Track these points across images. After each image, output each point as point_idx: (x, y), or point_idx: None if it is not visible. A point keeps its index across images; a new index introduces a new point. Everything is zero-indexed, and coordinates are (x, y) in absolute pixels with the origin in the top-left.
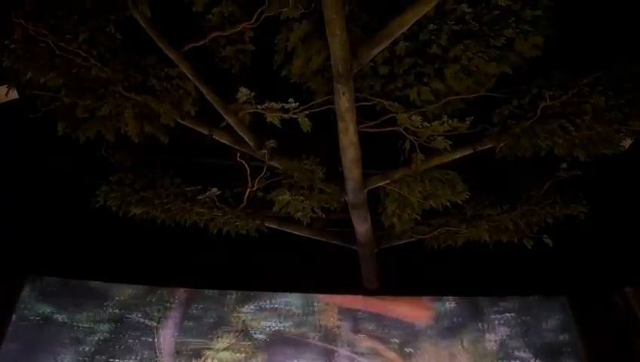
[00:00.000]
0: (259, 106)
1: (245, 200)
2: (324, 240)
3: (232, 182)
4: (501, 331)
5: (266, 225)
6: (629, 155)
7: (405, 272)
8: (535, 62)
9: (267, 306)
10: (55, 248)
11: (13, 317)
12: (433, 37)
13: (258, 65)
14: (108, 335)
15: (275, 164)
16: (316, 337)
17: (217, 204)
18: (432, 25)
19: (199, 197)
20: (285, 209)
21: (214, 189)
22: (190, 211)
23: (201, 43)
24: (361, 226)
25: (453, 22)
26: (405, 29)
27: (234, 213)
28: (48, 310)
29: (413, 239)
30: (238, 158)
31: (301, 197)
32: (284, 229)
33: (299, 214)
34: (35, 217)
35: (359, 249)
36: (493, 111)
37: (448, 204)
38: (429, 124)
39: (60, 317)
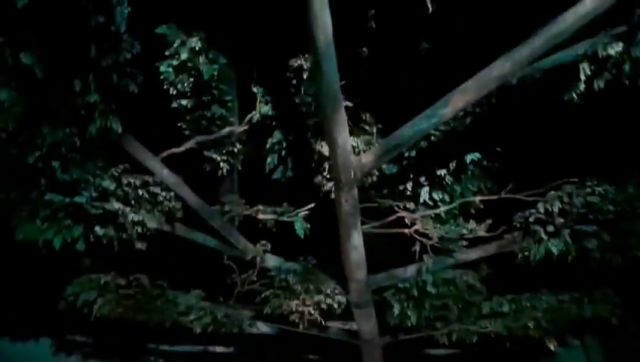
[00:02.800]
0: (248, 208)
1: (233, 298)
2: (324, 336)
3: (221, 277)
4: None
5: (259, 323)
6: None
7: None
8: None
9: None
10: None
11: None
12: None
13: (249, 166)
14: None
15: (267, 266)
16: None
17: (202, 303)
18: (445, 126)
19: (179, 300)
20: (279, 311)
21: (198, 291)
22: (171, 312)
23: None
24: (366, 324)
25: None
26: (419, 138)
27: (221, 310)
28: None
29: (423, 335)
30: (225, 261)
31: (296, 301)
32: (279, 326)
33: (294, 316)
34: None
35: (363, 345)
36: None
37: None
38: (441, 226)
39: None
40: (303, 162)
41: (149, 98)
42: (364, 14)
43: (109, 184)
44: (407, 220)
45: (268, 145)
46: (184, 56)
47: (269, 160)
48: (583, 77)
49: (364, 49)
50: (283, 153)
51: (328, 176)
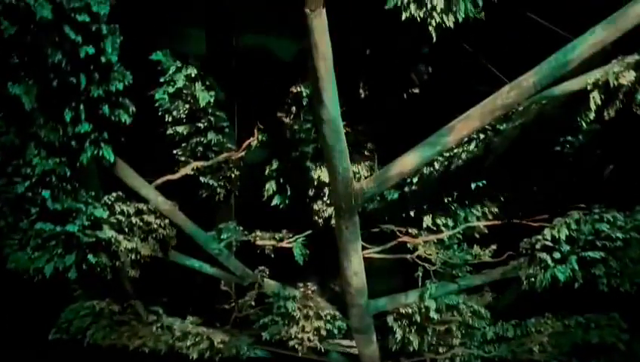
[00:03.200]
0: (246, 234)
1: (231, 323)
2: (324, 361)
3: (218, 302)
4: None
5: (256, 348)
6: None
7: None
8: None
9: None
10: None
11: None
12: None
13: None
14: None
15: (265, 291)
16: None
17: (198, 329)
18: (449, 153)
19: (175, 326)
20: (277, 337)
21: (194, 318)
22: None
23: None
24: (366, 349)
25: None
26: (422, 166)
27: (217, 336)
28: None
29: (425, 359)
30: (222, 286)
31: (295, 328)
32: (277, 351)
33: (293, 343)
34: None
35: None
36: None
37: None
38: (445, 252)
39: None
40: (303, 188)
41: (144, 125)
42: (366, 40)
43: (101, 212)
44: (409, 245)
45: (266, 172)
46: (180, 83)
47: (267, 186)
48: (593, 106)
49: (366, 74)
50: (282, 180)
51: (328, 202)
